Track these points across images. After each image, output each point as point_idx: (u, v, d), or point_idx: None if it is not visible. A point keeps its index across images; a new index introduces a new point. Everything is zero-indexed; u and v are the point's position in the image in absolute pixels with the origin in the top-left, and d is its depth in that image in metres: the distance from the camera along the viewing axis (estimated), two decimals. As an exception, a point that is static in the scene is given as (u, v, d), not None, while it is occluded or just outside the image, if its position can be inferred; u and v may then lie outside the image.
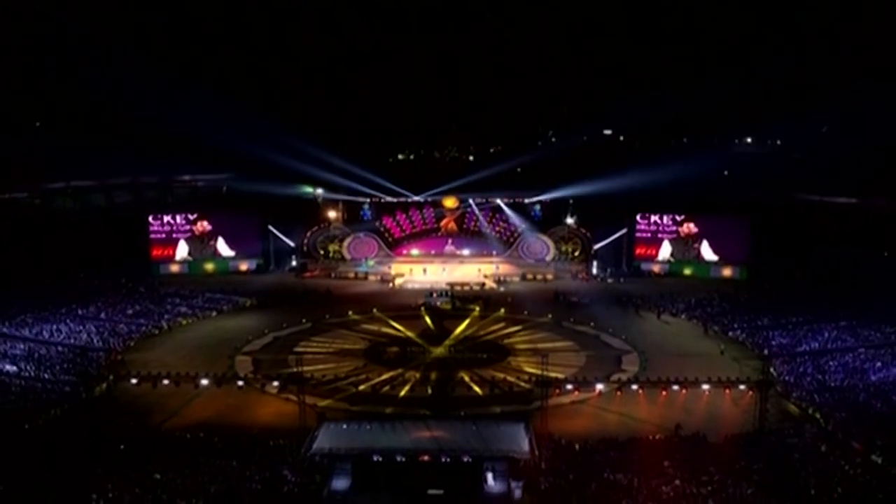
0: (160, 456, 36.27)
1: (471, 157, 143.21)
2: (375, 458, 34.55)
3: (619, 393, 42.18)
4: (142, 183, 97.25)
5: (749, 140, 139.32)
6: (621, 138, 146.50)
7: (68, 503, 31.94)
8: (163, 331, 61.74)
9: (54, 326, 59.40)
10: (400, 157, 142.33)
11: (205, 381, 40.53)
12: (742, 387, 40.59)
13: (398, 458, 34.50)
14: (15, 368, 49.99)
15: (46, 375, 48.98)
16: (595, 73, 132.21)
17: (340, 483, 34.07)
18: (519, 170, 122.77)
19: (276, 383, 43.91)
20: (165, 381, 40.15)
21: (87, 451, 36.50)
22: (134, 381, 40.54)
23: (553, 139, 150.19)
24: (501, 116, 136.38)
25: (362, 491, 33.62)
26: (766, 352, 54.42)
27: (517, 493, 33.72)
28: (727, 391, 40.85)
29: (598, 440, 38.73)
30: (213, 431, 39.94)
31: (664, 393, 41.25)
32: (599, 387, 43.55)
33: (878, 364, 50.37)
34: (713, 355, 54.38)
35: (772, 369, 49.54)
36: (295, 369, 44.30)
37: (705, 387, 40.23)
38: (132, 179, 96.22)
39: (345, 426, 37.94)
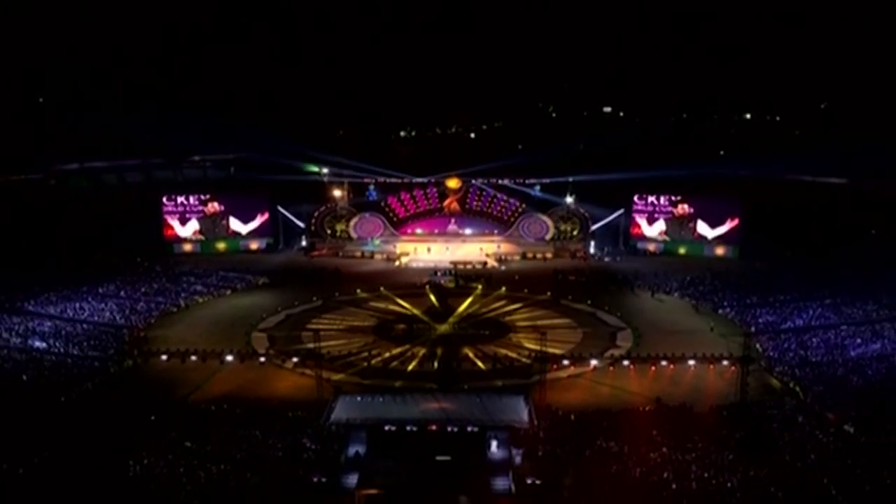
0: (188, 426, 38.74)
1: (472, 135, 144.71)
2: (388, 428, 37.28)
3: (611, 368, 45.38)
4: (152, 163, 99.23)
5: (748, 116, 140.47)
6: (621, 114, 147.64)
7: (107, 470, 34.25)
8: (181, 309, 64.30)
9: (77, 304, 61.86)
10: (402, 133, 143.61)
11: (229, 358, 43.51)
12: (725, 362, 43.56)
13: (409, 428, 37.22)
14: (45, 345, 52.54)
15: (75, 351, 51.53)
16: (595, 47, 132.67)
17: (356, 450, 36.65)
18: (520, 146, 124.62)
19: (295, 359, 46.69)
20: (193, 357, 43.08)
21: (122, 421, 38.93)
22: (164, 357, 43.46)
23: (553, 114, 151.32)
24: (501, 91, 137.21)
25: (376, 457, 36.12)
26: (752, 329, 56.78)
27: (517, 459, 36.13)
28: (711, 367, 43.92)
29: (593, 411, 41.26)
30: (235, 403, 42.49)
31: (653, 368, 44.33)
32: (594, 362, 46.56)
33: (858, 340, 52.97)
34: (703, 332, 56.69)
35: (757, 345, 52.15)
36: (311, 345, 47.10)
37: (691, 363, 43.29)
38: (143, 160, 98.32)
39: (359, 398, 40.86)
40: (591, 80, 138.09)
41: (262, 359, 45.96)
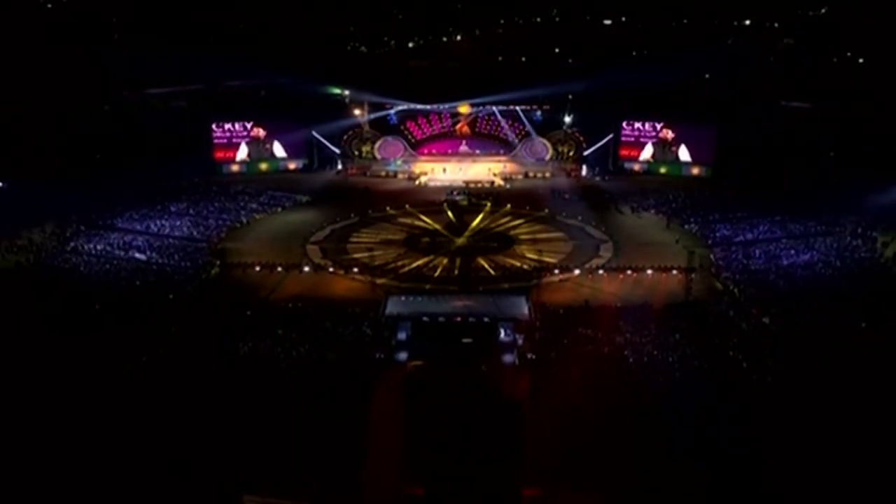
0: (276, 318, 49.53)
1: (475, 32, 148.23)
2: (426, 319, 49.74)
3: (590, 276, 57.78)
4: (192, 91, 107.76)
5: (748, 22, 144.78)
6: (623, 19, 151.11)
7: (224, 350, 43.71)
8: (243, 225, 72.55)
9: (157, 222, 70.92)
10: (410, 45, 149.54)
11: (307, 269, 55.96)
12: (674, 272, 56.00)
13: (440, 319, 49.78)
14: (143, 257, 62.28)
15: (171, 262, 61.37)
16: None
17: (403, 335, 48.28)
18: (523, 59, 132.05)
19: (355, 269, 58.36)
20: (279, 269, 55.26)
21: (225, 315, 50.05)
22: (257, 268, 55.46)
23: (557, 18, 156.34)
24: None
25: (418, 340, 47.92)
26: (710, 242, 66.59)
27: (520, 341, 45.82)
28: (664, 274, 56.60)
29: (575, 307, 51.34)
30: (305, 302, 51.99)
31: (621, 276, 57.06)
32: (577, 271, 58.49)
33: (793, 252, 62.15)
34: (670, 244, 65.47)
35: (711, 255, 62.86)
36: (365, 256, 59.33)
37: (649, 272, 56.03)
38: (184, 87, 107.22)
39: (403, 298, 53.47)
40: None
41: (331, 269, 58.31)
